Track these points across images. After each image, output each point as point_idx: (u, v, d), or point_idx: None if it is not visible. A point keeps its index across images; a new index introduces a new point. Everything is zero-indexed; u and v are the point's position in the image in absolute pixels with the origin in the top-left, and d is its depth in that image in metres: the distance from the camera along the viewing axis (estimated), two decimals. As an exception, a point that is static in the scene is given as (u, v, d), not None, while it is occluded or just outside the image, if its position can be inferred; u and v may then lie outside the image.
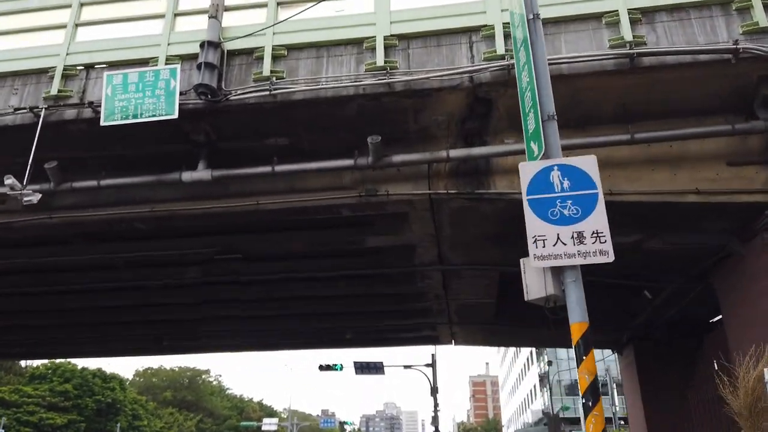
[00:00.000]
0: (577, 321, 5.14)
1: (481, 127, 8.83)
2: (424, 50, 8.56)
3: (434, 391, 22.81)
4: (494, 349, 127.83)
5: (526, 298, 5.44)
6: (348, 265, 12.14)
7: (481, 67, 8.14)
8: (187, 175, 8.95)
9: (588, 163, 5.30)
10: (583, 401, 4.77)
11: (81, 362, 56.71)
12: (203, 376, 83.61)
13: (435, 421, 22.69)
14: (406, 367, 23.90)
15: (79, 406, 53.43)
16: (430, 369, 23.15)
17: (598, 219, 5.21)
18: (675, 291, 12.31)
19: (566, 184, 5.17)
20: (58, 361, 57.40)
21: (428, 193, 8.89)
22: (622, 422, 30.71)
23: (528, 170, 5.46)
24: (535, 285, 5.28)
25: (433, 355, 23.47)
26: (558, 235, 5.23)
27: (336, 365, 24.01)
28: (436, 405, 22.86)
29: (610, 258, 4.96)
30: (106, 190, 9.57)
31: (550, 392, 27.33)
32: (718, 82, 8.05)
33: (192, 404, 77.15)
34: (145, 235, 10.87)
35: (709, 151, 8.47)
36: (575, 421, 50.02)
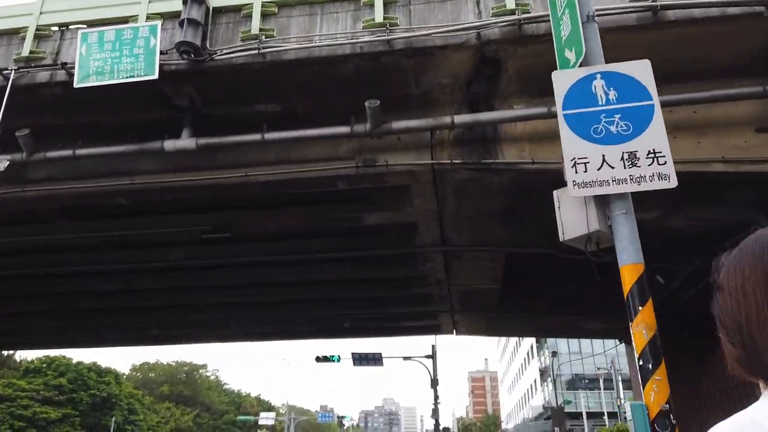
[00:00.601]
0: (630, 262, 4.32)
1: (488, 91, 8.14)
2: (427, 6, 7.87)
3: (434, 383, 22.17)
4: (493, 344, 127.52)
5: (562, 239, 4.61)
6: (345, 246, 11.46)
7: (489, 22, 7.45)
8: (170, 144, 8.27)
9: (640, 69, 4.42)
10: (641, 363, 3.95)
11: (76, 356, 56.18)
12: (200, 371, 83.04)
13: (435, 413, 22.05)
14: (405, 358, 23.26)
15: (74, 400, 52.80)
16: (430, 361, 22.53)
17: (656, 136, 4.29)
18: (692, 274, 11.64)
19: (612, 95, 4.35)
20: (52, 354, 56.84)
21: (431, 164, 8.21)
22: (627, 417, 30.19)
23: (563, 80, 4.59)
24: (573, 221, 4.39)
25: (433, 345, 22.80)
26: (603, 156, 4.33)
27: (333, 356, 23.36)
28: (436, 397, 22.23)
29: (672, 183, 4.10)
30: (84, 161, 8.89)
31: (555, 384, 26.74)
32: (747, 38, 7.36)
33: (189, 399, 76.55)
34: (127, 212, 10.19)
35: (736, 116, 7.79)
36: (576, 416, 49.53)
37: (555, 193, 4.48)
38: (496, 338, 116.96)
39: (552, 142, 7.99)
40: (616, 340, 17.95)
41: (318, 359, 23.27)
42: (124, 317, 16.69)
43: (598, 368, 38.45)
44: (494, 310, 15.41)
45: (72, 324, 16.93)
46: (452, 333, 18.49)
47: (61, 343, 19.49)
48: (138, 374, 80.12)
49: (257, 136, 8.10)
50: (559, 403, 42.03)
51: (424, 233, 10.64)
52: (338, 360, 23.25)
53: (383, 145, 8.40)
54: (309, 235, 11.46)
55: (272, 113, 8.55)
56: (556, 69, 7.57)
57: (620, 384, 29.45)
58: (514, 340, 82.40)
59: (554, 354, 27.16)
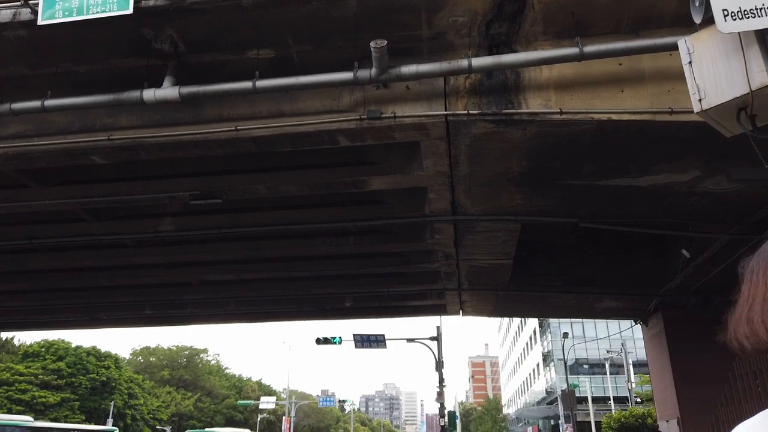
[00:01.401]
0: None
1: (509, 33, 7.17)
2: (442, -68, 6.87)
3: (440, 365, 21.40)
4: (494, 329, 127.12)
5: (698, 109, 3.29)
6: (348, 216, 10.55)
7: (514, -52, 6.47)
8: (149, 94, 7.32)
9: None
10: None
11: (75, 340, 55.69)
12: (201, 355, 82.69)
13: (440, 397, 21.31)
14: (409, 340, 22.47)
15: (73, 384, 52.31)
16: (435, 343, 21.75)
17: None
18: (723, 246, 10.72)
19: None
20: (51, 338, 56.39)
21: (444, 115, 7.26)
22: (639, 401, 29.41)
23: None
24: (717, 79, 2.95)
25: (438, 327, 22.05)
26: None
27: (334, 338, 22.58)
28: (441, 380, 21.46)
29: None
30: (56, 117, 7.98)
31: (565, 367, 25.96)
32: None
33: (190, 383, 76.23)
34: (107, 176, 9.28)
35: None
36: (580, 401, 49.00)
37: (683, 41, 3.11)
38: (497, 323, 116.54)
39: (582, 90, 7.06)
40: (632, 321, 17.09)
41: (318, 341, 22.49)
42: (114, 296, 15.85)
43: (608, 351, 37.65)
44: (504, 288, 14.54)
45: (58, 303, 16.09)
46: (458, 314, 17.65)
47: (49, 324, 18.69)
48: (139, 359, 79.77)
49: (248, 84, 7.15)
50: (565, 387, 41.42)
51: (434, 201, 9.72)
52: (339, 342, 22.47)
53: (390, 95, 7.46)
54: (307, 205, 10.56)
55: (265, 61, 7.60)
56: (588, 4, 6.59)
57: (631, 368, 28.69)
58: (516, 324, 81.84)
59: (566, 335, 26.34)
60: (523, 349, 75.68)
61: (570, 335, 58.17)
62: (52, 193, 9.46)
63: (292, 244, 12.07)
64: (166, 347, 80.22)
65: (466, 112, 7.21)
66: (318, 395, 66.84)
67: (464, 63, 6.87)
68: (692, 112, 6.88)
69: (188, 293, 15.60)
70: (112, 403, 52.40)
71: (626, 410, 21.82)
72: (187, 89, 7.27)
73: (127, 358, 78.98)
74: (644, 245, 13.96)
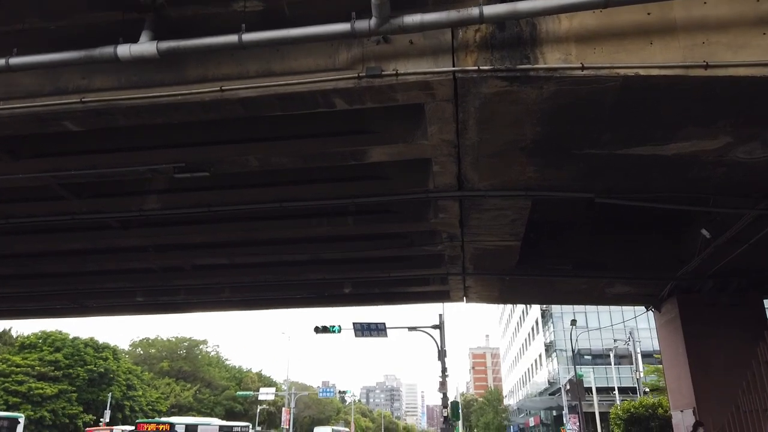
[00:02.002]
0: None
1: (525, -20, 6.41)
2: None
3: (442, 354, 20.76)
4: (495, 320, 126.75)
5: None
6: (346, 192, 9.83)
7: None
8: (124, 50, 6.58)
9: None
10: None
11: (73, 331, 55.20)
12: (201, 346, 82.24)
13: (443, 387, 20.69)
14: (411, 328, 21.79)
15: (70, 375, 51.77)
16: (437, 332, 21.09)
17: None
18: (747, 225, 10.01)
19: None
20: (48, 330, 55.85)
21: (452, 72, 6.53)
22: (647, 390, 28.80)
23: None
24: None
25: (440, 315, 21.38)
26: None
27: (333, 327, 21.92)
28: (444, 370, 20.82)
29: None
30: (24, 79, 7.25)
31: (574, 355, 25.29)
32: None
33: (189, 375, 75.78)
34: (85, 148, 8.56)
35: None
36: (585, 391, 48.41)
37: None
38: (498, 314, 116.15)
39: (606, 42, 6.32)
40: (644, 307, 16.41)
41: (317, 330, 21.84)
42: (103, 282, 15.17)
43: (615, 340, 37.03)
44: (511, 272, 13.85)
45: (45, 290, 15.41)
46: (462, 300, 16.97)
47: (37, 312, 18.00)
48: (139, 350, 79.26)
49: (233, 38, 6.42)
50: (570, 377, 40.83)
51: (439, 175, 8.99)
52: (339, 331, 21.84)
53: (392, 51, 6.72)
54: (303, 181, 9.84)
55: (253, 14, 6.87)
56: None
57: (639, 357, 28.05)
58: (517, 315, 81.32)
59: (573, 322, 25.65)
60: (525, 340, 75.22)
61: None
62: (25, 167, 8.74)
63: (287, 226, 11.35)
64: (165, 338, 79.66)
65: (476, 68, 6.48)
66: (319, 387, 66.35)
67: (474, 12, 6.13)
68: (731, 65, 6.17)
69: (180, 279, 14.91)
70: (110, 394, 51.85)
71: (635, 400, 21.21)
72: (166, 44, 6.53)
73: (126, 349, 78.60)
74: (659, 226, 13.26)
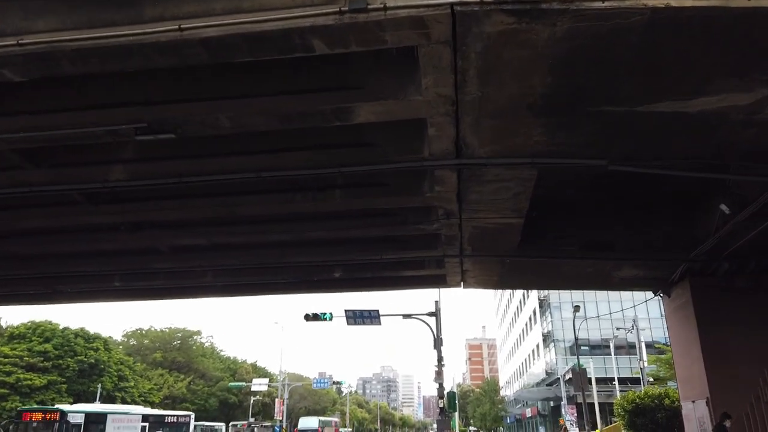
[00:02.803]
0: None
1: None
2: None
3: (438, 342, 19.87)
4: (491, 311, 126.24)
5: None
6: (331, 161, 8.86)
7: None
8: (65, -20, 5.58)
9: None
10: None
11: (64, 321, 54.31)
12: (194, 337, 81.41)
13: (439, 376, 19.83)
14: (405, 316, 20.87)
15: (60, 366, 50.83)
16: (433, 320, 20.20)
17: None
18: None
19: None
20: (38, 320, 54.86)
21: (450, 4, 5.54)
22: (651, 380, 28.01)
23: None
24: None
25: (436, 301, 20.48)
26: None
27: (324, 314, 21.01)
28: (440, 359, 19.95)
29: None
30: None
31: (575, 344, 24.39)
32: None
33: (183, 366, 74.95)
34: (33, 106, 7.54)
35: None
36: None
37: None
38: (495, 304, 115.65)
39: (633, -33, 5.33)
40: (651, 292, 15.51)
41: (308, 317, 20.91)
42: (77, 265, 14.19)
43: (618, 328, 36.22)
44: (512, 254, 12.92)
45: (12, 274, 14.41)
46: (459, 285, 16.05)
47: (6, 299, 16.97)
48: (132, 341, 78.33)
49: (192, -36, 5.42)
50: (569, 367, 40.13)
51: (435, 139, 8.02)
52: (330, 318, 20.92)
53: (380, -18, 5.73)
54: (282, 148, 8.85)
55: (218, -60, 5.86)
56: None
57: (644, 345, 27.23)
58: (515, 305, 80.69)
59: (576, 309, 24.74)
60: (522, 330, 74.60)
61: (571, 314, 56.98)
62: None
63: (268, 201, 10.38)
64: (158, 329, 78.76)
65: (479, 0, 5.49)
66: (315, 378, 65.63)
67: (477, -71, 5.14)
68: (780, -7, 5.19)
69: (159, 262, 13.94)
70: (99, 385, 50.94)
71: (638, 391, 20.39)
72: (113, -28, 5.54)
73: (119, 340, 77.70)
74: (671, 204, 12.33)
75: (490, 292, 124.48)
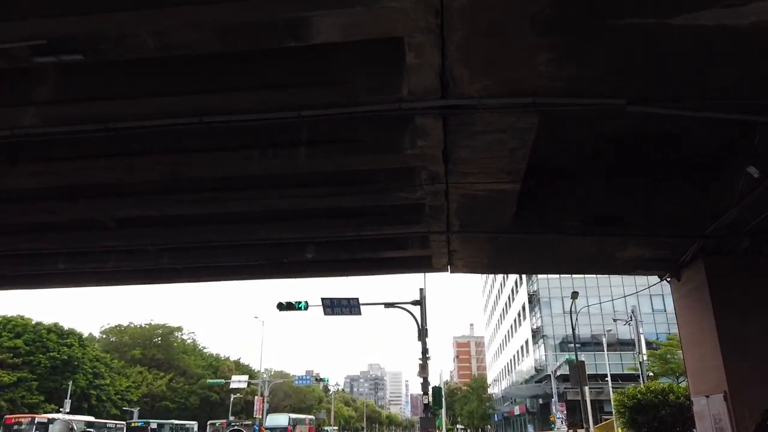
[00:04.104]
0: None
1: None
2: None
3: (423, 333, 18.35)
4: (480, 308, 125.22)
5: None
6: (290, 102, 7.27)
7: None
8: None
9: None
10: None
11: (36, 316, 52.20)
12: (176, 333, 79.41)
13: (423, 370, 18.31)
14: (387, 305, 19.28)
15: (31, 363, 48.73)
16: (418, 309, 18.67)
17: None
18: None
19: None
20: (9, 315, 52.72)
21: None
22: (651, 375, 26.71)
23: None
24: None
25: (421, 289, 18.96)
26: None
27: (299, 303, 19.41)
28: (425, 351, 18.42)
29: None
30: None
31: (573, 332, 22.94)
32: None
33: (163, 363, 72.96)
34: None
35: None
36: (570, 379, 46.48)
37: None
38: (483, 301, 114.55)
39: None
40: (657, 276, 14.08)
41: (281, 307, 19.29)
42: (10, 242, 12.47)
43: (614, 319, 34.96)
44: (506, 229, 11.41)
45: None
46: (446, 269, 14.52)
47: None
48: (112, 338, 76.09)
49: None
50: (559, 363, 38.79)
51: (415, 69, 6.47)
52: (306, 308, 19.32)
53: None
54: (229, 87, 7.22)
55: None
56: None
57: (643, 339, 25.87)
58: (503, 301, 79.49)
59: (575, 294, 23.30)
60: (511, 326, 73.40)
61: (561, 310, 55.79)
62: None
63: (221, 159, 8.75)
64: (138, 325, 76.60)
65: None
66: (302, 375, 63.87)
67: None
68: None
69: (106, 239, 12.26)
70: (71, 383, 48.85)
71: (638, 386, 19.04)
72: None
73: (98, 336, 75.52)
74: (686, 171, 10.87)
75: (479, 287, 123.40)
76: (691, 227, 11.32)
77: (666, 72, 6.52)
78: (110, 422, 41.47)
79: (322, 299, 18.41)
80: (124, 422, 42.39)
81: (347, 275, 15.32)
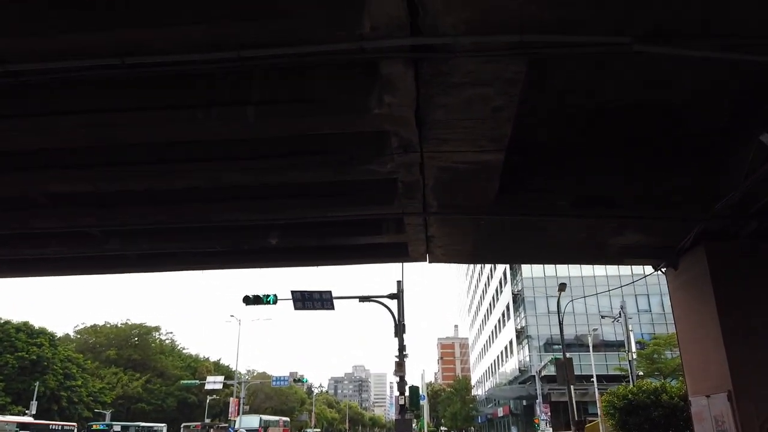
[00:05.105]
0: None
1: None
2: None
3: (400, 329, 17.09)
4: (464, 310, 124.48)
5: None
6: (230, 40, 6.03)
7: None
8: None
9: None
10: None
11: (6, 314, 50.25)
12: (153, 333, 77.47)
13: (400, 368, 17.05)
14: (362, 299, 18.00)
15: (-3, 363, 46.89)
16: (395, 303, 17.43)
17: None
18: None
19: None
20: (-24, 313, 50.68)
21: None
22: (641, 374, 25.74)
23: None
24: None
25: (399, 282, 17.72)
26: None
27: (268, 296, 18.08)
28: (402, 348, 17.16)
29: None
30: None
31: (560, 324, 21.92)
32: None
33: (139, 363, 71.05)
34: None
35: None
36: (553, 379, 45.59)
37: None
38: (467, 302, 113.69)
39: None
40: (651, 267, 13.00)
41: (247, 300, 17.96)
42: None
43: (603, 315, 34.03)
44: (490, 210, 10.25)
45: None
46: (425, 258, 13.33)
47: None
48: (91, 338, 73.83)
49: None
50: (545, 363, 37.85)
51: (377, -3, 5.27)
52: (274, 301, 18.02)
53: None
54: (156, 20, 5.95)
55: None
56: None
57: (632, 336, 24.93)
58: (487, 301, 78.62)
59: (563, 286, 22.18)
60: (495, 327, 72.53)
61: (546, 310, 54.97)
62: None
63: (152, 118, 7.40)
64: (113, 324, 74.52)
65: None
66: (279, 376, 62.33)
67: None
68: None
69: (40, 218, 10.89)
70: (37, 384, 46.96)
71: (627, 386, 18.01)
72: None
73: (72, 336, 73.36)
74: (686, 150, 9.80)
75: (464, 288, 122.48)
76: (693, 209, 10.25)
77: (676, 3, 5.36)
78: (54, 423, 39.24)
79: (293, 292, 17.12)
80: (74, 424, 40.08)
81: (317, 264, 14.06)
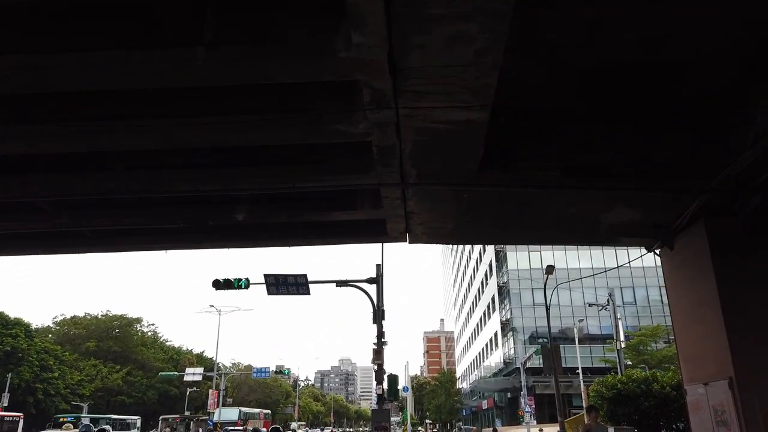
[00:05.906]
0: None
1: None
2: None
3: (379, 315, 16.23)
4: (450, 303, 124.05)
5: None
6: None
7: None
8: None
9: None
10: None
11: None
12: (135, 325, 75.99)
13: (378, 356, 16.19)
14: (339, 283, 17.06)
15: (-32, 354, 45.40)
16: (374, 288, 16.58)
17: None
18: None
19: None
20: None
21: None
22: (629, 363, 25.10)
23: None
24: None
25: (378, 265, 16.86)
26: None
27: (239, 280, 17.10)
28: (380, 335, 16.29)
29: None
30: None
31: (547, 312, 21.21)
32: None
33: (120, 355, 69.64)
34: None
35: None
36: (538, 371, 45.09)
37: None
38: (452, 296, 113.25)
39: None
40: (645, 248, 12.21)
41: (217, 285, 16.96)
42: None
43: (590, 304, 33.41)
44: (473, 180, 9.38)
45: None
46: (404, 238, 12.45)
47: None
48: (71, 330, 72.15)
49: None
50: (530, 353, 37.27)
51: None
52: (246, 286, 17.05)
53: None
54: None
55: None
56: None
57: (621, 324, 24.27)
58: (473, 294, 78.09)
59: (550, 268, 21.45)
60: (480, 319, 72.03)
61: (531, 302, 54.48)
62: None
63: (85, 60, 6.45)
64: (93, 316, 72.93)
65: None
66: (260, 368, 61.24)
67: None
68: None
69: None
70: (10, 375, 45.58)
71: (615, 375, 17.31)
72: None
73: (52, 327, 71.72)
74: (686, 116, 8.99)
75: (449, 276, 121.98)
76: (692, 185, 9.47)
77: None
78: None
79: (266, 276, 16.18)
80: (20, 414, 37.99)
81: (289, 245, 13.12)
